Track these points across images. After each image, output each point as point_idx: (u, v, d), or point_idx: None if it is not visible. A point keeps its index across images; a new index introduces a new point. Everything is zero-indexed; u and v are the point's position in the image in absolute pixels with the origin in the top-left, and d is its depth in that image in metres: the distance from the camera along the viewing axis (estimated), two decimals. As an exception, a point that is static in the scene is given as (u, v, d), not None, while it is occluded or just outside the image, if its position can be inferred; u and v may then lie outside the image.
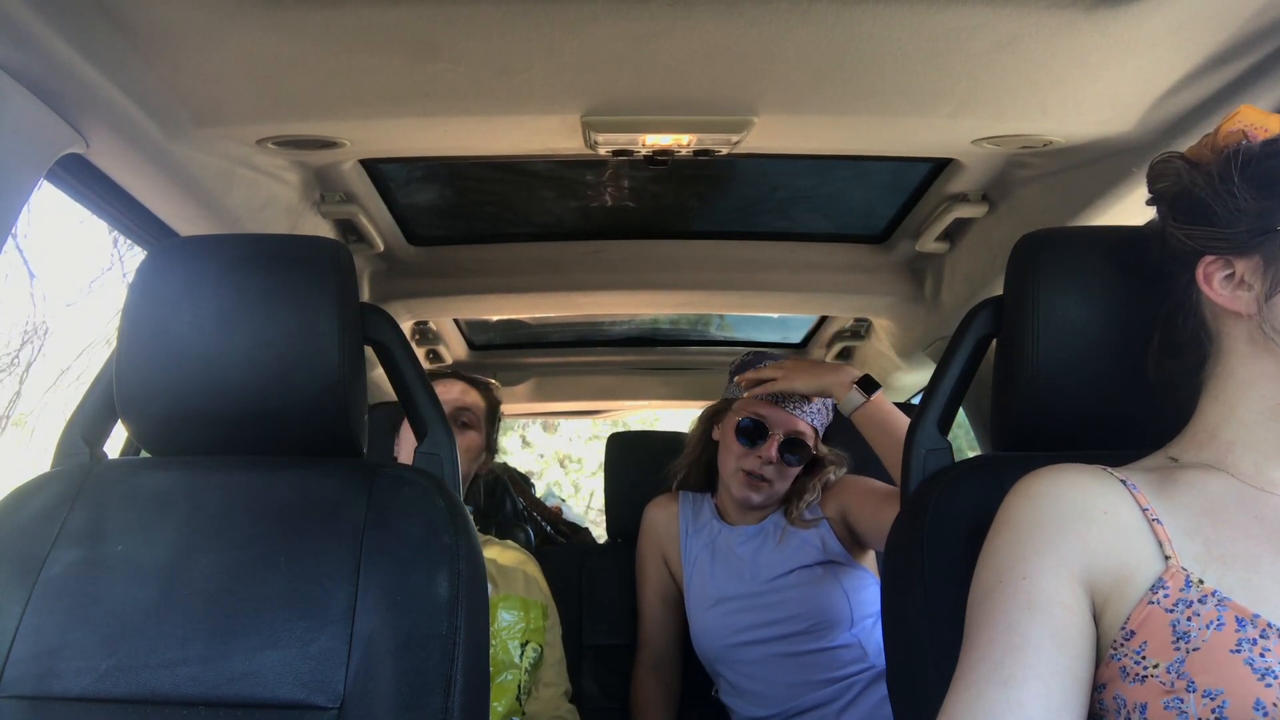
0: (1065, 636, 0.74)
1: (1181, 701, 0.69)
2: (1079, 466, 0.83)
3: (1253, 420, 0.81)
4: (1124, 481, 0.81)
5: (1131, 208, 1.37)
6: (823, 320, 2.62)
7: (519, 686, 1.54)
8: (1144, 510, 0.78)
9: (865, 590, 1.63)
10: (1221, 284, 0.81)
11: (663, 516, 1.81)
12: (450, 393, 1.74)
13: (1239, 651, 0.69)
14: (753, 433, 1.63)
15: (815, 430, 1.66)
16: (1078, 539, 0.78)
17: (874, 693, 1.56)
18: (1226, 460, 0.81)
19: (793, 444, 1.63)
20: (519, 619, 1.60)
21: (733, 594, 1.65)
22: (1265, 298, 0.78)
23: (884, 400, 1.51)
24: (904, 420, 1.48)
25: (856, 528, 1.61)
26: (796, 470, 1.67)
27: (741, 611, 1.64)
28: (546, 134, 1.33)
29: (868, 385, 1.50)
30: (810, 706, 1.58)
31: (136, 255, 1.45)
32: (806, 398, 1.63)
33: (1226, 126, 0.83)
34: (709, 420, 1.79)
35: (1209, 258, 0.82)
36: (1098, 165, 1.36)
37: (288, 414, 1.04)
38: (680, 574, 1.75)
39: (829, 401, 1.67)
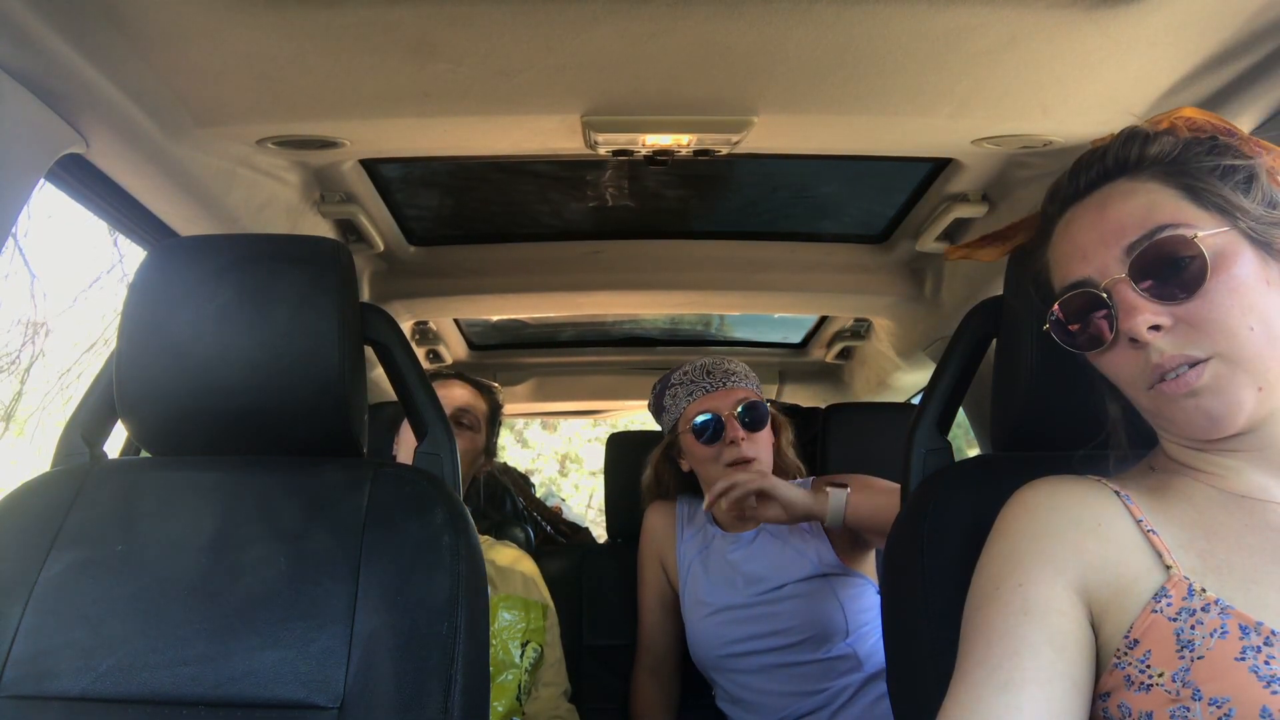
0: (1062, 642, 0.74)
1: (1188, 710, 0.69)
2: (1074, 478, 0.84)
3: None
4: (1118, 493, 0.81)
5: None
6: (823, 320, 2.62)
7: (519, 686, 1.54)
8: (1138, 521, 0.78)
9: (862, 598, 1.62)
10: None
11: (661, 521, 1.81)
12: (451, 394, 1.74)
13: (1243, 659, 0.68)
14: (710, 427, 1.63)
15: (757, 393, 1.68)
16: (1073, 549, 0.78)
17: (865, 695, 1.56)
18: (1202, 471, 0.81)
19: (749, 408, 1.63)
20: (519, 619, 1.60)
21: (727, 604, 1.65)
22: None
23: (856, 477, 1.53)
24: (880, 481, 1.52)
25: (860, 527, 1.61)
26: (764, 433, 1.66)
27: (737, 622, 1.63)
28: (546, 134, 1.33)
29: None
30: (803, 713, 1.58)
31: (137, 255, 1.45)
32: (731, 372, 1.67)
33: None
34: (668, 459, 1.78)
35: None
36: (1098, 165, 1.36)
37: (287, 414, 1.04)
38: (676, 579, 1.75)
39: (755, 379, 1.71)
